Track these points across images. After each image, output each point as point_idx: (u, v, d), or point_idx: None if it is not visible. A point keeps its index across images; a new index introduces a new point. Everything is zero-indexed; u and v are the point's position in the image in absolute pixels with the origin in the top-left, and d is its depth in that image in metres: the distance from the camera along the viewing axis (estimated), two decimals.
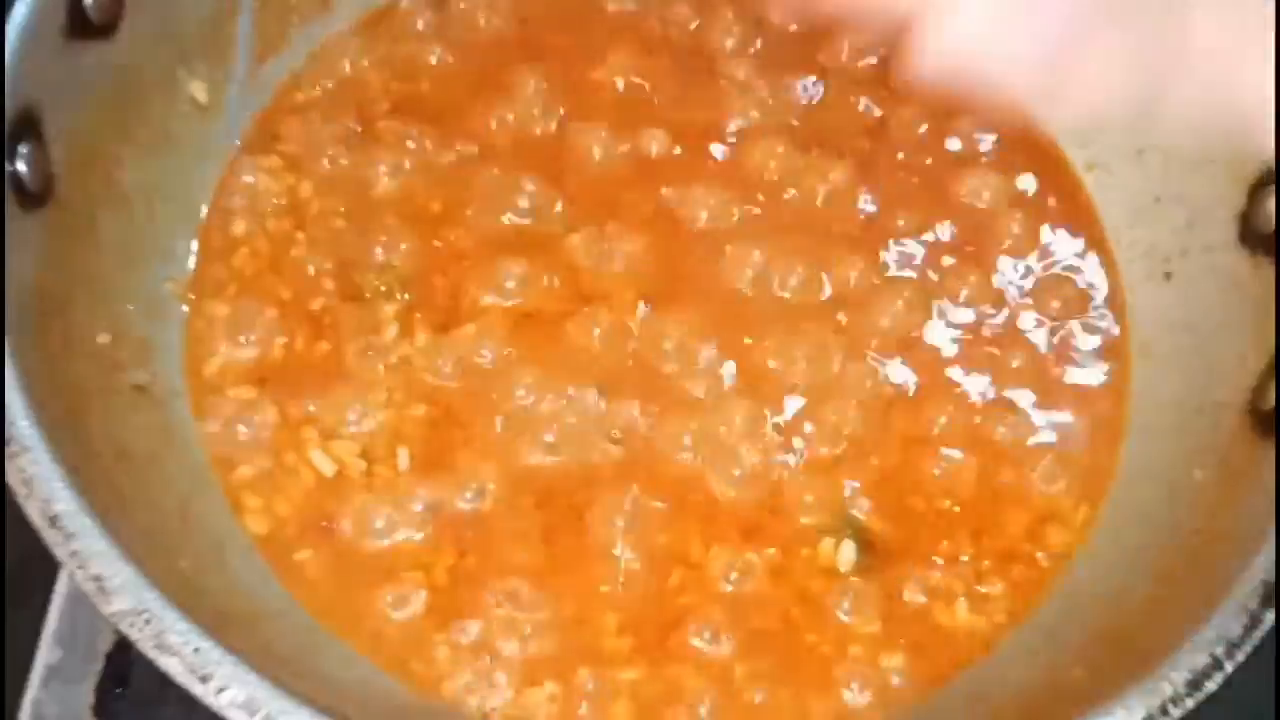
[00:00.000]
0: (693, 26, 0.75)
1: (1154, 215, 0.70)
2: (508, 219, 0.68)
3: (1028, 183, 0.73)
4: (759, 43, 0.75)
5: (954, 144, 0.73)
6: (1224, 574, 0.51)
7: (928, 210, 0.71)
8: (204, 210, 0.67)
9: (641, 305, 0.66)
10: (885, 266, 0.69)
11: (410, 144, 0.70)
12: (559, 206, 0.69)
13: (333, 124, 0.70)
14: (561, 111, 0.72)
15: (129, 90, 0.62)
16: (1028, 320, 0.68)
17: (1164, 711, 0.47)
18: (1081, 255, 0.71)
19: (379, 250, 0.66)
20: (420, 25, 0.74)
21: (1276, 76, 0.44)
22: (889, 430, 0.64)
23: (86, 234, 0.60)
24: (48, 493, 0.47)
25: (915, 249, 0.70)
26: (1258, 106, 0.46)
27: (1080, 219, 0.72)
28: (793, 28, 0.75)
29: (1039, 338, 0.68)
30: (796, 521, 0.61)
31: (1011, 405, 0.66)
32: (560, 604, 0.58)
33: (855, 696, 0.58)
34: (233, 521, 0.59)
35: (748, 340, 0.66)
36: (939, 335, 0.67)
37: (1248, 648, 0.48)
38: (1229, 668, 0.48)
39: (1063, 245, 0.71)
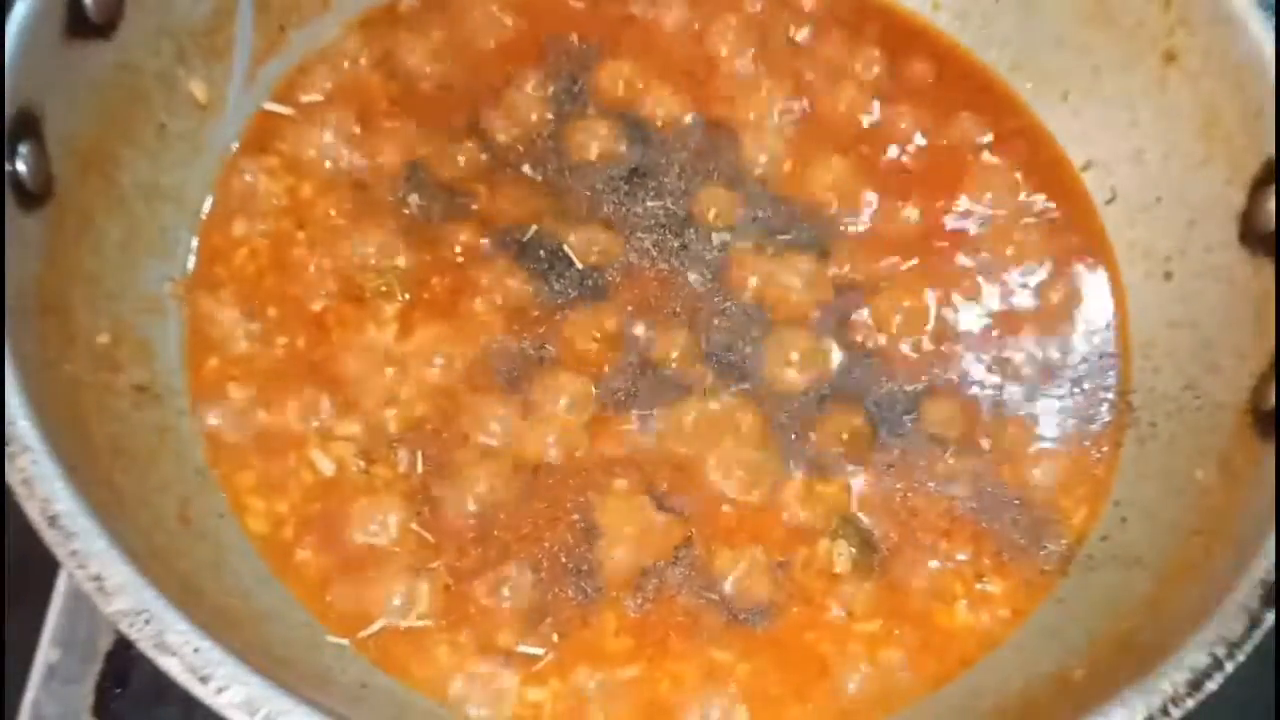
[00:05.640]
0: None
1: (1154, 215, 0.70)
2: (508, 219, 0.68)
3: (1028, 183, 0.73)
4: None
5: (954, 145, 0.73)
6: (1224, 574, 0.51)
7: (929, 209, 0.71)
8: (204, 210, 0.67)
9: (641, 307, 0.66)
10: (884, 265, 0.69)
11: (410, 144, 0.70)
12: (560, 206, 0.69)
13: (332, 124, 0.69)
14: (561, 111, 0.72)
15: (128, 90, 0.62)
16: (1029, 320, 0.68)
17: (1164, 711, 0.47)
18: (1082, 255, 0.71)
19: (379, 250, 0.66)
20: (419, 25, 0.74)
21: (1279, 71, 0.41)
22: (889, 430, 0.64)
23: (86, 234, 0.59)
24: (48, 493, 0.47)
25: (915, 249, 0.70)
26: None
27: (1080, 219, 0.72)
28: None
29: (1040, 337, 0.68)
30: (797, 522, 0.61)
31: (1012, 406, 0.66)
32: (561, 604, 0.58)
33: (856, 695, 0.58)
34: (233, 521, 0.59)
35: (748, 340, 0.66)
36: (940, 335, 0.67)
37: (1248, 648, 0.48)
38: (1229, 668, 0.48)
39: (1063, 245, 0.71)
